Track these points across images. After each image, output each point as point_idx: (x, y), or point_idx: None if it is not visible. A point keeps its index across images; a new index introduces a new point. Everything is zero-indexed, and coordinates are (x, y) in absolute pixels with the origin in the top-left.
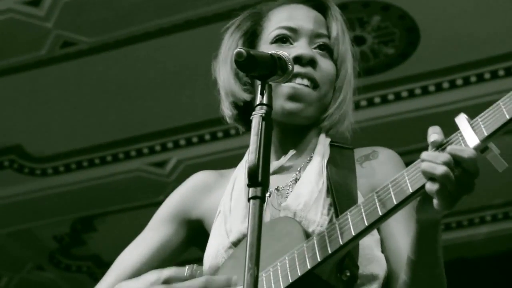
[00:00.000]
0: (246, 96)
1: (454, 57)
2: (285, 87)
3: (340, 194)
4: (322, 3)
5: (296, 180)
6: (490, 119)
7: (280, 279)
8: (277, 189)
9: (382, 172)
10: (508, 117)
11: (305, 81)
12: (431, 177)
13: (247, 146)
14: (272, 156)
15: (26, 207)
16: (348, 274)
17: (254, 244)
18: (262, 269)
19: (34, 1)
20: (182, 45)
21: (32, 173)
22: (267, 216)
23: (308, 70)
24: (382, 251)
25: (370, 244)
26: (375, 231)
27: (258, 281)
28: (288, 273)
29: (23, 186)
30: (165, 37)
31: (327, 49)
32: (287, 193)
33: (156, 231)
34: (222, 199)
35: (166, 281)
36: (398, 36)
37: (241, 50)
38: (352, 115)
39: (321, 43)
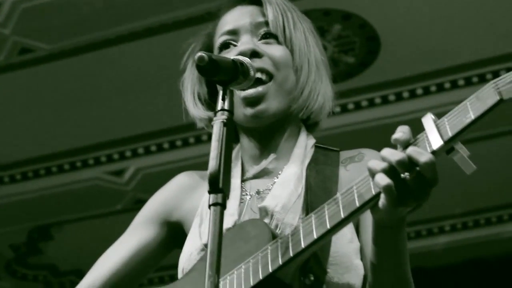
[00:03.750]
0: (209, 115)
1: (415, 67)
2: (240, 94)
3: (317, 198)
4: None
5: None
6: (456, 119)
7: (243, 282)
8: (257, 192)
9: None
10: (473, 117)
11: (258, 74)
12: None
13: (206, 155)
14: (254, 161)
15: None
16: (312, 278)
17: (214, 252)
18: (228, 272)
19: None
20: (141, 52)
21: None
22: (245, 219)
23: (256, 63)
24: (362, 258)
25: (349, 252)
26: (355, 238)
27: (221, 285)
28: (251, 276)
29: None
30: (124, 44)
31: (272, 36)
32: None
33: (137, 232)
34: (202, 200)
35: None
36: (359, 45)
37: (203, 54)
38: (331, 95)
39: (263, 32)
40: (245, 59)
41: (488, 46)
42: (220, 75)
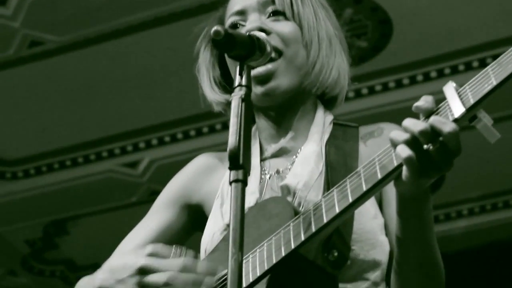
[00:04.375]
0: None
1: (428, 49)
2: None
3: (338, 175)
4: None
5: None
6: (478, 86)
7: (265, 260)
8: (277, 171)
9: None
10: (495, 83)
11: None
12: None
13: (221, 144)
14: (272, 140)
15: None
16: (335, 254)
17: (237, 229)
18: (250, 251)
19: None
20: (153, 42)
21: (2, 176)
22: (266, 198)
23: None
24: (387, 234)
25: (373, 228)
26: (379, 214)
27: (244, 263)
28: (273, 253)
29: None
30: (135, 35)
31: (279, 13)
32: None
33: (157, 216)
34: (222, 182)
35: (142, 270)
36: (371, 29)
37: (219, 28)
38: (346, 69)
39: (270, 10)
40: (261, 34)
41: (503, 27)
42: (237, 50)
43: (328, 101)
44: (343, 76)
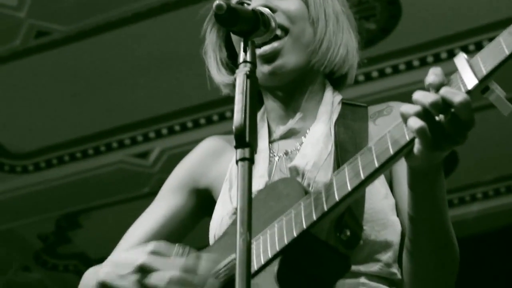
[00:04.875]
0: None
1: (438, 30)
2: (256, 52)
3: (347, 154)
4: None
5: None
6: (490, 56)
7: (276, 241)
8: (285, 153)
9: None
10: (508, 52)
11: None
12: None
13: (231, 132)
14: (280, 122)
15: (8, 206)
16: (348, 233)
17: (245, 209)
18: (260, 232)
19: None
20: (160, 29)
21: (13, 170)
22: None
23: None
24: (398, 215)
25: (384, 208)
26: (389, 194)
27: (255, 245)
28: (285, 234)
29: (4, 184)
30: (142, 22)
31: None
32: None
33: (165, 202)
34: (230, 165)
35: (142, 268)
36: (379, 10)
37: (221, 2)
38: (355, 46)
39: None
40: (265, 10)
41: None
42: (240, 25)
43: (337, 81)
44: (352, 53)
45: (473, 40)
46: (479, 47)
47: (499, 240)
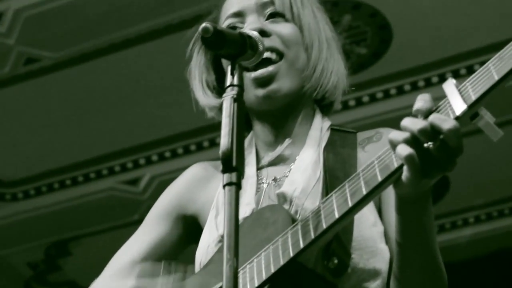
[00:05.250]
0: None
1: (429, 54)
2: (250, 75)
3: (336, 181)
4: None
5: None
6: (479, 82)
7: (263, 269)
8: (274, 179)
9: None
10: (497, 78)
11: (268, 54)
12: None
13: (219, 158)
14: (269, 148)
15: None
16: (335, 261)
17: (231, 234)
18: (247, 261)
19: None
20: (149, 55)
21: (2, 198)
22: None
23: (265, 42)
24: (387, 242)
25: (373, 236)
26: (378, 222)
27: (241, 273)
28: (271, 262)
29: None
30: (131, 48)
31: (279, 15)
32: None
33: (151, 228)
34: (217, 191)
35: None
36: (370, 35)
37: (208, 25)
38: (344, 73)
39: (270, 12)
40: (253, 33)
41: (504, 29)
42: (227, 48)
43: (325, 107)
44: (342, 80)
45: (464, 64)
46: (470, 71)
47: (492, 264)
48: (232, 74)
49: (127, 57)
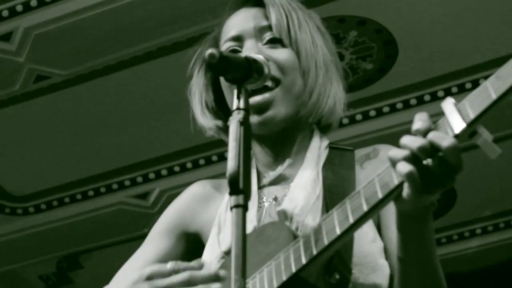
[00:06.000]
0: (217, 123)
1: (435, 69)
2: None
3: (336, 198)
4: None
5: None
6: (477, 101)
7: (266, 285)
8: (275, 199)
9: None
10: (494, 97)
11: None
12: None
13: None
14: (269, 168)
15: (9, 247)
16: (337, 277)
17: (239, 256)
18: (249, 277)
19: (4, 35)
20: (159, 72)
21: (13, 212)
22: None
23: None
24: (387, 258)
25: (372, 251)
26: (377, 238)
27: None
28: (274, 278)
29: (5, 226)
30: (141, 65)
31: (276, 40)
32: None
33: (154, 244)
34: (219, 209)
35: (149, 278)
36: (376, 50)
37: (213, 51)
38: (342, 96)
39: (269, 37)
40: (259, 57)
41: (507, 44)
42: (233, 73)
43: (323, 127)
44: (339, 104)
45: (469, 78)
46: (475, 85)
47: (499, 275)
48: (238, 98)
49: (136, 74)
